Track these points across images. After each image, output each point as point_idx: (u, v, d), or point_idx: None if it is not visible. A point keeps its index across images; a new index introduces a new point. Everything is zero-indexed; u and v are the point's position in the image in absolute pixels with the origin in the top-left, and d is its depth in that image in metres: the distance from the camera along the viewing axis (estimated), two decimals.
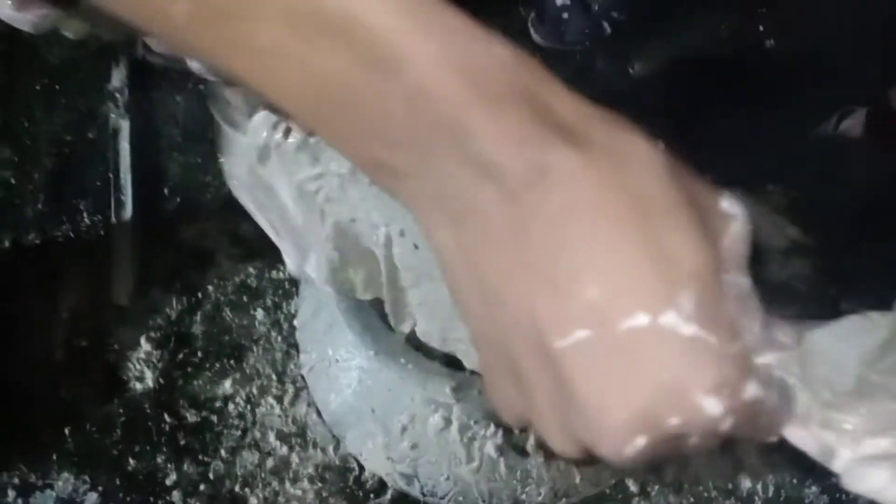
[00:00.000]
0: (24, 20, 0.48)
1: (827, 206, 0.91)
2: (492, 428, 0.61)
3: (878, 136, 0.88)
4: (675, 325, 0.27)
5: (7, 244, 0.93)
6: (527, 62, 0.29)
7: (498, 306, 0.29)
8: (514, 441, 0.62)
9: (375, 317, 0.59)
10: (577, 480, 0.64)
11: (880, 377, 0.35)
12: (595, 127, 0.28)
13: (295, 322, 0.82)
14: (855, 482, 0.33)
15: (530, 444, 0.61)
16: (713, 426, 0.29)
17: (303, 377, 0.84)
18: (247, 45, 0.30)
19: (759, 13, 1.03)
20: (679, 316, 0.27)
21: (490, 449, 0.62)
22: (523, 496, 0.63)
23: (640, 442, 0.29)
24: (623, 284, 0.27)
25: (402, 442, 0.63)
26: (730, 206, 0.30)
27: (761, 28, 1.02)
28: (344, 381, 0.66)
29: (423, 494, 0.65)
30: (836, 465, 0.35)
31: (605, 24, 1.03)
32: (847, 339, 0.35)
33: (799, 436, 0.34)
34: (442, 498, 0.65)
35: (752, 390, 0.30)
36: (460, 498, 0.64)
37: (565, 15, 1.03)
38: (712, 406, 0.28)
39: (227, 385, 0.85)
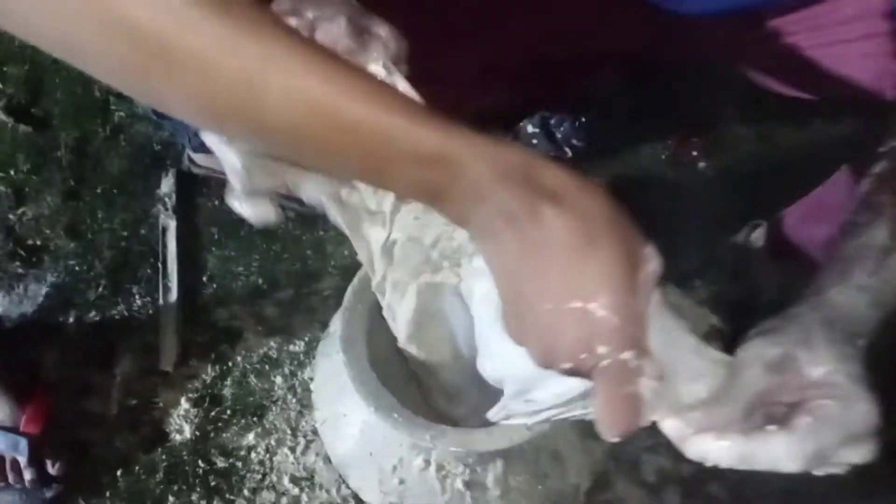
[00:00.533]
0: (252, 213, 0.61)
1: (739, 299, 1.12)
2: (460, 467, 0.80)
3: (773, 247, 1.09)
4: (594, 308, 0.47)
5: (71, 320, 1.14)
6: (525, 153, 0.50)
7: (520, 286, 0.49)
8: (476, 479, 0.81)
9: (376, 381, 0.79)
10: None
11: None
12: (569, 190, 0.49)
13: (311, 386, 1.01)
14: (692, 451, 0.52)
15: (490, 479, 0.80)
16: (594, 362, 0.47)
17: (314, 430, 1.03)
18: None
19: (692, 141, 1.26)
20: (598, 305, 0.47)
21: (459, 484, 0.80)
22: None
23: (560, 344, 0.48)
24: (573, 285, 0.48)
25: (393, 479, 0.82)
26: (650, 251, 0.51)
27: (694, 153, 1.26)
28: (349, 432, 0.85)
29: None
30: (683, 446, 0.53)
31: (567, 150, 1.26)
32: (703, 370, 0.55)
33: (668, 425, 0.53)
34: None
35: (628, 356, 0.48)
36: None
37: (534, 141, 1.27)
38: (602, 350, 0.47)
39: (251, 437, 1.05)
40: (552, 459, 0.82)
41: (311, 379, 1.04)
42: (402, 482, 0.82)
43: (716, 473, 0.99)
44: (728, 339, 1.08)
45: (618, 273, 0.48)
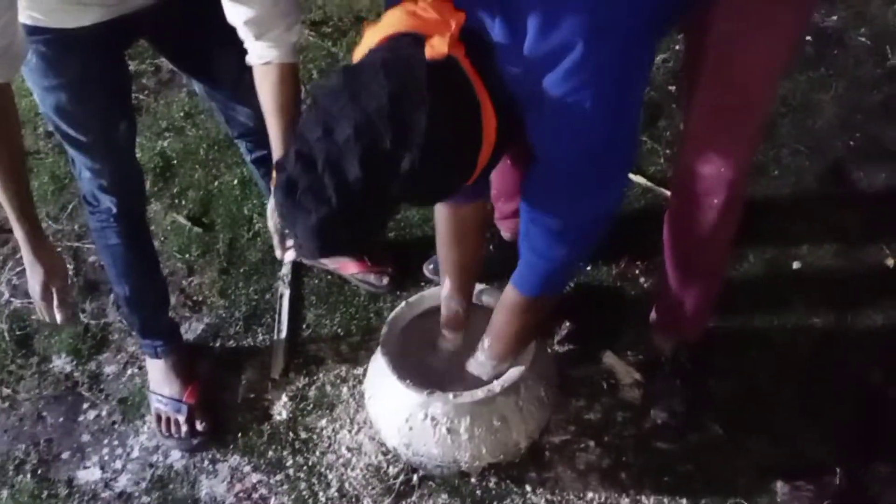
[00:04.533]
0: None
1: (654, 362, 1.65)
2: (444, 419, 1.34)
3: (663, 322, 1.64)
4: None
5: (218, 345, 1.77)
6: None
7: None
8: (454, 427, 1.34)
9: (399, 361, 1.35)
10: (485, 451, 1.34)
11: None
12: None
13: (364, 378, 1.56)
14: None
15: (462, 427, 1.33)
16: None
17: (365, 420, 1.59)
18: None
19: (636, 263, 1.83)
20: None
21: (443, 430, 1.34)
22: (458, 457, 1.34)
23: None
24: None
25: (405, 426, 1.36)
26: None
27: (637, 272, 1.83)
28: (383, 401, 1.40)
29: (414, 454, 1.37)
30: None
31: None
32: None
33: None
34: (421, 456, 1.36)
35: None
36: (428, 456, 1.35)
37: None
38: None
39: (324, 422, 1.62)
40: (501, 420, 1.36)
41: (364, 392, 1.61)
42: (411, 429, 1.37)
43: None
44: (644, 387, 1.61)
45: None
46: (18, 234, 1.25)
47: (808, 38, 2.23)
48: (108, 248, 1.54)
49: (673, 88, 2.15)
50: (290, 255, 1.39)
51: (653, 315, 1.64)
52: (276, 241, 1.40)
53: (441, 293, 1.42)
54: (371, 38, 1.00)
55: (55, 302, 1.30)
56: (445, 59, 0.93)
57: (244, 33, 1.22)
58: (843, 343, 1.66)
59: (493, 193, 1.82)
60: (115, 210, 1.49)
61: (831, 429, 1.53)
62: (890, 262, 1.78)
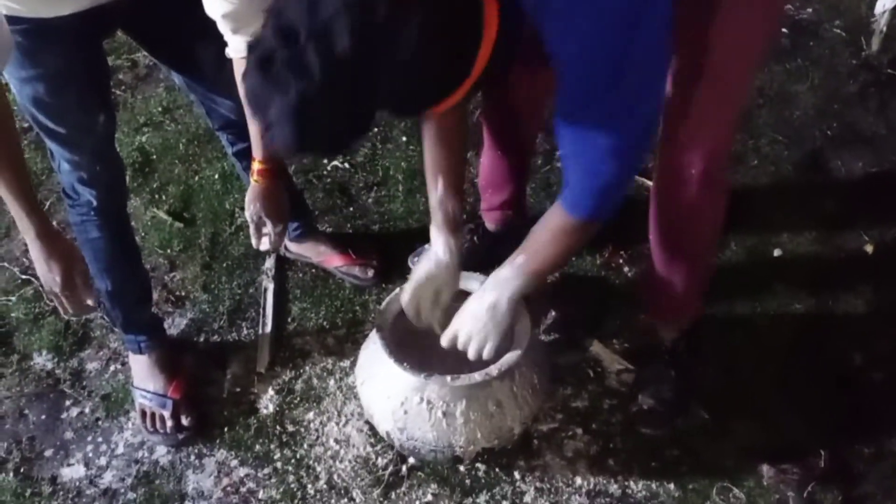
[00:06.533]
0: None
1: (642, 349, 1.67)
2: (440, 402, 1.33)
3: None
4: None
5: (202, 339, 1.75)
6: None
7: None
8: (450, 410, 1.34)
9: (394, 345, 1.34)
10: (480, 436, 1.34)
11: None
12: None
13: (356, 364, 1.54)
14: None
15: (458, 411, 1.33)
16: None
17: (352, 412, 1.59)
18: None
19: (620, 252, 1.84)
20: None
21: (439, 413, 1.33)
22: (453, 441, 1.34)
23: None
24: None
25: (400, 410, 1.35)
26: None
27: (621, 261, 1.84)
28: (376, 385, 1.39)
29: (408, 439, 1.37)
30: None
31: None
32: None
33: None
34: (416, 441, 1.36)
35: None
36: (423, 440, 1.35)
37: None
38: None
39: (311, 415, 1.61)
40: (496, 405, 1.36)
41: (355, 381, 1.60)
42: (406, 413, 1.37)
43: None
44: (632, 374, 1.62)
45: None
46: (27, 228, 1.23)
47: (785, 30, 2.26)
48: (88, 242, 1.52)
49: None
50: (265, 244, 1.40)
51: (645, 306, 1.65)
52: (252, 229, 1.40)
53: (432, 201, 1.39)
54: None
55: (81, 289, 1.28)
56: None
57: (222, 27, 1.22)
58: (824, 327, 1.69)
59: (480, 184, 1.83)
60: (95, 203, 1.47)
61: (815, 411, 1.56)
62: (869, 247, 1.81)
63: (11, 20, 1.19)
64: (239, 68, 1.25)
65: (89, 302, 1.30)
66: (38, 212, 1.23)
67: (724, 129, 1.32)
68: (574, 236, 1.21)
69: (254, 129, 1.37)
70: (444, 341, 1.31)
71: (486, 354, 1.28)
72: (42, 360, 1.74)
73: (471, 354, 1.29)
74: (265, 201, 1.43)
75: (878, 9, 2.05)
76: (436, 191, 1.37)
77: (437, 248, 1.39)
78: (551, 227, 1.22)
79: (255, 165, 1.42)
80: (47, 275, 1.26)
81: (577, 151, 1.10)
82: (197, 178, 2.07)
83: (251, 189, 1.44)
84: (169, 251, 1.92)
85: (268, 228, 1.45)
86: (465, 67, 0.95)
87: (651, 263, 1.52)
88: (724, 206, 1.43)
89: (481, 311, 1.27)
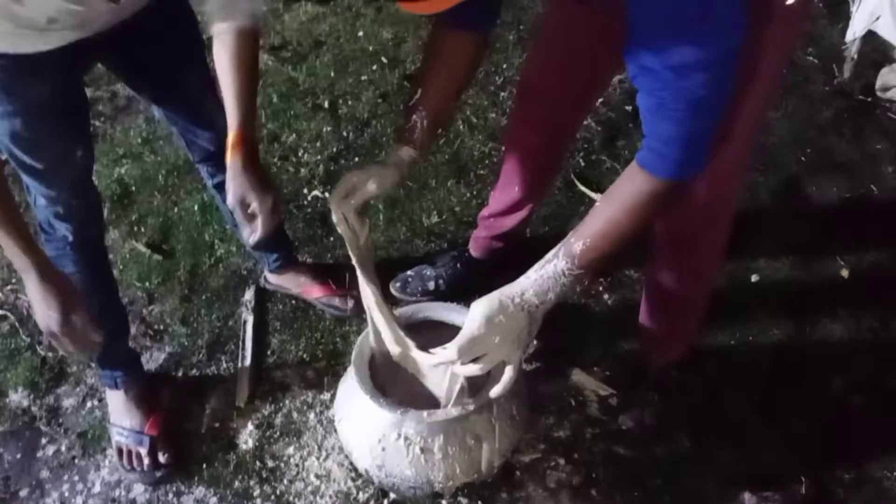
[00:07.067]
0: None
1: (625, 376, 1.67)
2: (418, 438, 1.33)
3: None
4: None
5: (181, 374, 1.73)
6: None
7: None
8: (428, 446, 1.33)
9: (371, 382, 1.33)
10: (459, 471, 1.33)
11: None
12: None
13: (334, 401, 1.53)
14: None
15: (436, 446, 1.32)
16: None
17: (332, 447, 1.57)
18: None
19: (600, 280, 1.85)
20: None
21: (417, 449, 1.33)
22: (431, 478, 1.33)
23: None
24: None
25: (378, 447, 1.34)
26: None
27: (601, 288, 1.85)
28: (354, 421, 1.38)
29: (386, 476, 1.35)
30: None
31: (434, 287, 1.83)
32: None
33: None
34: (394, 478, 1.35)
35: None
36: (401, 477, 1.33)
37: (409, 279, 1.86)
38: None
39: (291, 449, 1.59)
40: (475, 439, 1.35)
41: (334, 417, 1.59)
42: (384, 450, 1.35)
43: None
44: (618, 400, 1.62)
45: None
46: (24, 266, 1.20)
47: None
48: None
49: (630, 109, 2.19)
50: (256, 232, 1.22)
51: (640, 333, 1.65)
52: (239, 216, 1.22)
53: (409, 104, 1.27)
54: None
55: (83, 327, 1.25)
56: None
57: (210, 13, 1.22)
58: (803, 353, 1.70)
59: (483, 214, 1.82)
60: (71, 238, 1.46)
61: (796, 438, 1.56)
62: (844, 272, 1.82)
63: None
64: (219, 43, 1.23)
65: (95, 338, 1.26)
66: (34, 248, 1.21)
67: (731, 162, 1.26)
68: (651, 204, 1.06)
69: (229, 93, 1.24)
70: (461, 353, 1.11)
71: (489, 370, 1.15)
72: (18, 398, 1.72)
73: (480, 371, 1.14)
74: (247, 174, 1.23)
75: (849, 37, 2.09)
76: (416, 97, 1.25)
77: (390, 154, 1.27)
78: (623, 194, 1.06)
79: (231, 136, 1.24)
80: (44, 314, 1.23)
81: (664, 98, 0.98)
82: (176, 209, 2.06)
83: (229, 168, 1.24)
84: (147, 284, 1.90)
85: (254, 206, 1.22)
86: None
87: (650, 294, 1.52)
88: (727, 239, 1.44)
89: (521, 326, 1.11)
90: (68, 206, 1.42)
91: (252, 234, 1.21)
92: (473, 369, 1.13)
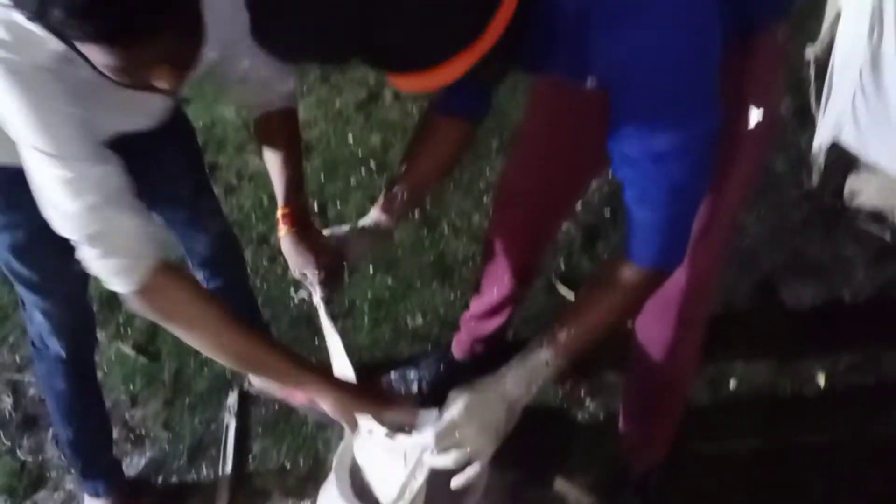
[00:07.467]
0: None
1: (606, 482, 1.67)
2: None
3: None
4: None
5: (161, 480, 1.72)
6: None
7: None
8: None
9: (351, 494, 1.33)
10: None
11: None
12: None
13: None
14: None
15: None
16: None
17: None
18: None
19: (581, 384, 1.87)
20: None
21: None
22: None
23: None
24: None
25: None
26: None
27: (583, 392, 1.87)
28: None
29: None
30: None
31: (416, 389, 1.84)
32: None
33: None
34: None
35: None
36: None
37: (393, 382, 1.87)
38: None
39: None
40: None
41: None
42: None
43: None
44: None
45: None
46: (318, 386, 1.16)
47: None
48: (53, 393, 1.51)
49: (608, 213, 2.26)
50: (317, 297, 1.32)
51: (620, 438, 1.66)
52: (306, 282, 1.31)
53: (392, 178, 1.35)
54: None
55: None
56: None
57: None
58: (783, 458, 1.71)
59: (465, 317, 1.85)
60: (63, 356, 1.46)
61: None
62: (821, 378, 1.85)
63: None
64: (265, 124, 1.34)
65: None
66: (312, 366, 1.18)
67: (708, 258, 1.29)
68: (633, 293, 1.09)
69: (275, 170, 1.33)
70: (438, 440, 1.09)
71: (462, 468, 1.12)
72: None
73: (451, 463, 1.10)
74: (300, 246, 1.30)
75: (815, 147, 2.18)
76: (400, 171, 1.32)
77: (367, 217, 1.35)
78: (606, 284, 1.09)
79: (280, 210, 1.33)
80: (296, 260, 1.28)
81: (644, 183, 1.01)
82: None
83: (283, 243, 1.33)
84: (131, 386, 1.91)
85: (310, 277, 1.31)
86: (478, 21, 0.87)
87: (628, 397, 1.54)
88: (700, 339, 1.47)
89: (499, 417, 1.09)
90: (62, 320, 1.43)
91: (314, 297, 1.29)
92: (445, 461, 1.10)
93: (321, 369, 1.15)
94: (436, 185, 1.42)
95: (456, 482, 1.16)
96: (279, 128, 1.32)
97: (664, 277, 1.11)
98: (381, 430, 1.20)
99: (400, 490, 1.19)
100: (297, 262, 1.31)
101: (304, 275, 1.31)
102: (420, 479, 1.19)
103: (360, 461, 1.35)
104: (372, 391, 1.17)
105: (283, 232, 1.31)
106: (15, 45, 0.94)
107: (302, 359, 1.15)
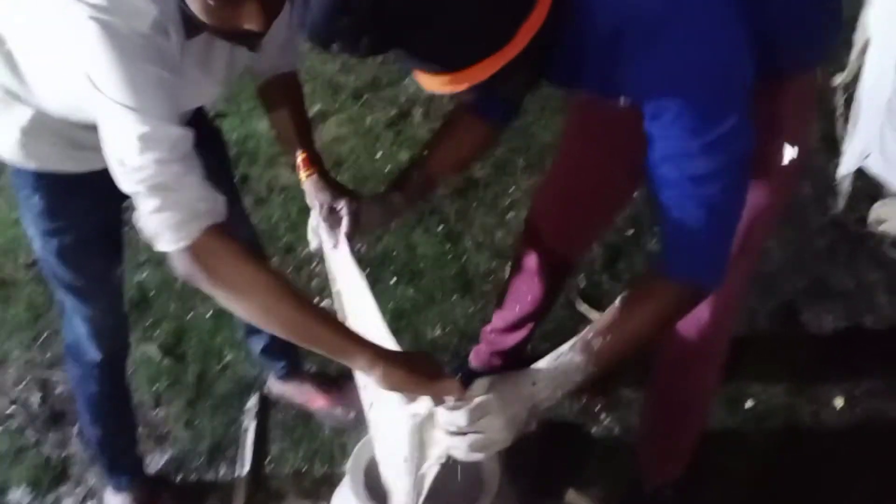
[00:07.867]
0: None
1: (622, 497, 1.67)
2: None
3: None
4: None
5: (180, 477, 1.76)
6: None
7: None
8: None
9: (365, 496, 1.35)
10: None
11: None
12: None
13: None
14: None
15: None
16: None
17: None
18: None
19: (598, 398, 1.88)
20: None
21: None
22: None
23: None
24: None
25: None
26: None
27: (598, 407, 1.87)
28: None
29: None
30: None
31: None
32: None
33: None
34: None
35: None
36: None
37: None
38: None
39: None
40: None
41: None
42: None
43: None
44: None
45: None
46: (366, 360, 1.08)
47: None
48: (85, 396, 1.55)
49: (631, 232, 2.27)
50: (342, 235, 1.28)
51: (637, 452, 1.67)
52: (323, 229, 1.29)
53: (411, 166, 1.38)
54: None
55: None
56: None
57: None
58: (799, 479, 1.70)
59: (485, 329, 1.86)
60: (98, 360, 1.48)
61: None
62: (839, 401, 1.84)
63: (38, 175, 1.26)
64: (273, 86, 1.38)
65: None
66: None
67: (734, 283, 1.26)
68: (672, 309, 1.09)
69: (289, 125, 1.36)
70: (471, 420, 1.04)
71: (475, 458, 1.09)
72: (19, 495, 1.75)
73: (468, 451, 1.06)
74: (326, 184, 1.31)
75: (841, 172, 2.18)
76: (420, 158, 1.36)
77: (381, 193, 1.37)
78: (645, 298, 1.08)
79: (299, 158, 1.34)
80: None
81: (680, 202, 1.01)
82: (191, 314, 2.13)
83: (308, 185, 1.33)
84: (156, 387, 1.96)
85: (342, 206, 1.27)
86: (508, 27, 0.90)
87: (648, 413, 1.55)
88: (723, 359, 1.48)
89: (522, 413, 1.06)
90: (102, 325, 1.46)
91: (334, 240, 1.26)
92: (464, 447, 1.05)
93: (370, 343, 1.09)
94: (451, 176, 1.47)
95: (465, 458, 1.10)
96: (285, 89, 1.36)
97: (701, 297, 1.11)
98: (426, 404, 1.10)
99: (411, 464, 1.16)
100: (323, 197, 1.29)
101: (332, 209, 1.27)
102: (431, 472, 1.15)
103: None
104: (421, 363, 1.09)
105: (304, 175, 1.32)
106: (112, 9, 0.98)
107: (352, 332, 1.10)
